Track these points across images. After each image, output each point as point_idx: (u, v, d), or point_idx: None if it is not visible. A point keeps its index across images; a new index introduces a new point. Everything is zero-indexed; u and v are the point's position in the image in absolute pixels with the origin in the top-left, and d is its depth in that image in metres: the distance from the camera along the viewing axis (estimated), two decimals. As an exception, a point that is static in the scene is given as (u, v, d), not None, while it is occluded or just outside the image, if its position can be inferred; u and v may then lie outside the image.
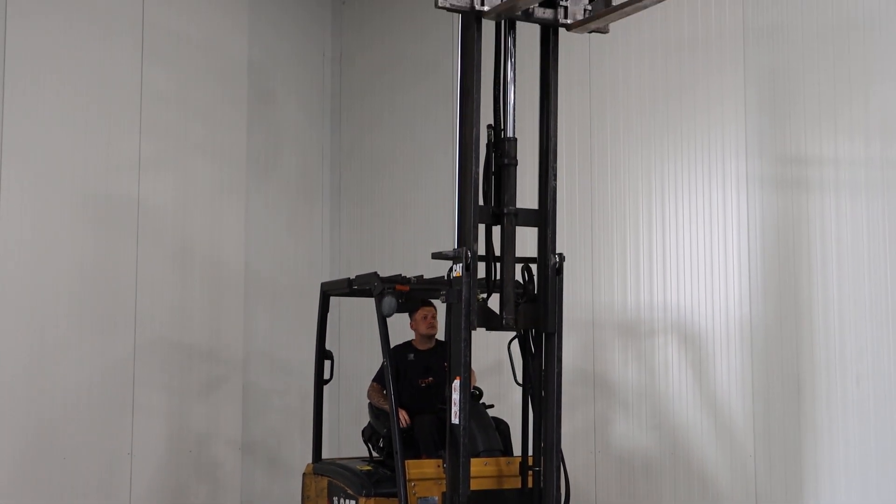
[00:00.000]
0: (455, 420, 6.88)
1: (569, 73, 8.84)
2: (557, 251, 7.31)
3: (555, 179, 7.14)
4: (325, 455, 8.58)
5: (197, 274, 9.36)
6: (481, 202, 6.97)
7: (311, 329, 8.72)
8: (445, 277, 7.09)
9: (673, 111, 9.35)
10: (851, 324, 8.44)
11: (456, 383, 6.89)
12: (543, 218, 7.16)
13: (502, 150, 7.14)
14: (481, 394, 7.56)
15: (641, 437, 9.16)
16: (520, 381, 7.48)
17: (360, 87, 11.43)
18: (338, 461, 8.11)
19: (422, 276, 7.73)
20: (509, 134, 7.13)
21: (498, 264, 7.03)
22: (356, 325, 10.61)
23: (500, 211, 7.03)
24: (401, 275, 7.71)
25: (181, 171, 9.26)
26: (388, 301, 7.32)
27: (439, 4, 6.82)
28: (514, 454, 7.40)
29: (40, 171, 8.43)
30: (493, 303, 7.05)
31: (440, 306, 7.42)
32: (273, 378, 10.09)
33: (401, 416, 7.46)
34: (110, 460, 8.43)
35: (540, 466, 7.11)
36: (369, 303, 7.87)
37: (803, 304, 8.64)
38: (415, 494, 7.16)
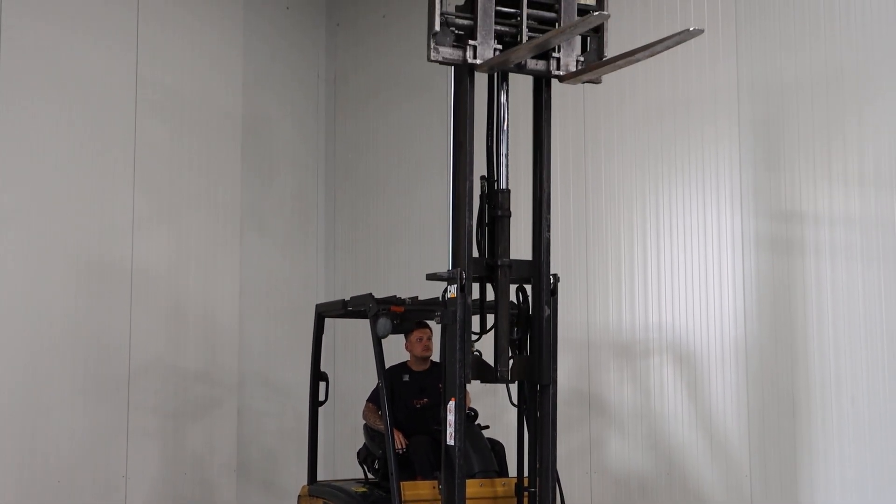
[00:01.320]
0: (450, 441, 6.87)
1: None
2: (552, 272, 7.32)
3: (548, 231, 7.13)
4: (320, 477, 8.56)
5: (191, 296, 9.34)
6: (475, 254, 6.99)
7: (306, 350, 8.71)
8: (440, 298, 7.09)
9: (667, 131, 9.38)
10: (846, 344, 8.45)
11: (451, 404, 6.88)
12: (537, 269, 7.17)
13: (495, 202, 7.15)
14: (476, 415, 7.56)
15: (637, 457, 9.15)
16: (515, 402, 7.47)
17: (354, 107, 11.45)
18: (333, 483, 8.09)
19: (417, 297, 7.74)
20: (502, 185, 7.15)
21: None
22: (351, 346, 10.60)
23: (494, 263, 7.05)
24: (396, 296, 7.71)
25: (173, 189, 9.26)
26: (383, 322, 7.32)
27: (431, 58, 6.83)
28: (510, 475, 7.38)
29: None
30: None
31: (435, 328, 7.41)
32: (268, 399, 10.07)
33: (396, 438, 7.44)
34: (105, 483, 8.40)
35: (535, 487, 7.10)
36: (364, 324, 7.87)
37: (798, 324, 8.65)
38: (410, 515, 7.15)
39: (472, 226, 6.90)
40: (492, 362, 6.97)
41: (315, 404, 8.44)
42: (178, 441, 9.07)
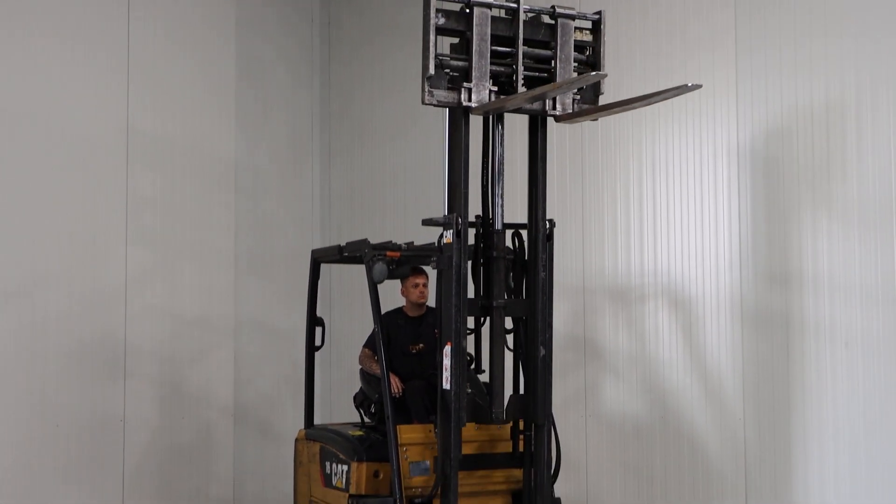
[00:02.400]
0: (446, 385, 6.92)
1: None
2: (547, 217, 7.33)
3: (544, 271, 7.13)
4: (316, 421, 8.62)
5: (187, 242, 9.34)
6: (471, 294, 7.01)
7: (302, 296, 8.73)
8: (436, 244, 7.10)
9: (664, 79, 9.34)
10: (841, 288, 8.49)
11: (447, 349, 6.92)
12: (532, 309, 7.17)
13: (490, 242, 7.16)
14: (472, 359, 7.59)
15: (632, 401, 9.21)
16: (510, 346, 7.50)
17: (348, 51, 11.37)
18: (330, 427, 8.14)
19: (412, 242, 7.74)
20: (497, 226, 7.14)
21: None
22: (347, 291, 10.62)
23: (489, 304, 7.05)
24: (391, 241, 7.72)
25: (166, 133, 9.21)
26: (379, 268, 7.33)
27: (426, 102, 6.81)
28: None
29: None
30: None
31: (431, 274, 7.43)
32: (264, 345, 10.10)
33: (392, 382, 7.48)
34: (103, 427, 8.45)
35: (531, 431, 7.16)
36: (360, 270, 7.88)
37: (793, 269, 8.67)
38: (406, 459, 7.20)
39: (467, 268, 6.93)
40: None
41: (311, 349, 8.48)
42: (175, 386, 9.12)
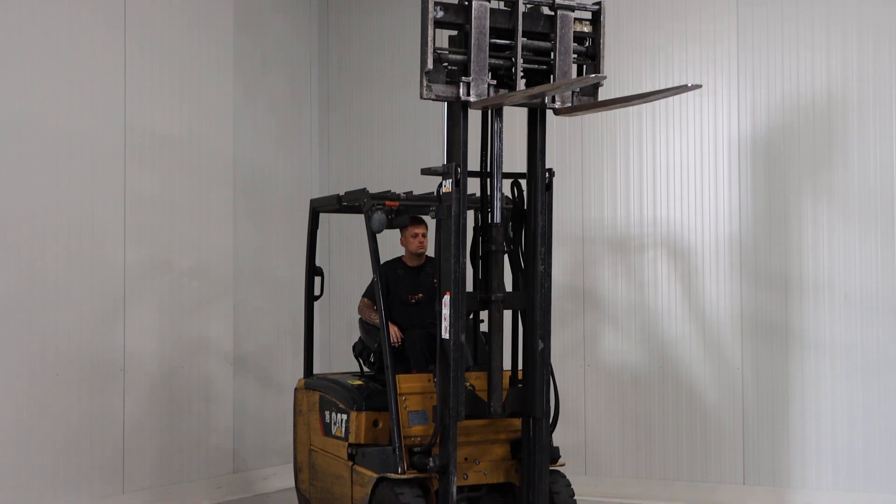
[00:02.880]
0: (445, 335, 6.93)
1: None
2: (547, 166, 7.30)
3: (543, 264, 7.09)
4: (316, 371, 8.64)
5: (185, 192, 9.31)
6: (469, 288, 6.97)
7: (301, 246, 8.72)
8: (435, 193, 7.08)
9: (665, 30, 9.28)
10: (840, 238, 8.49)
11: (446, 298, 6.92)
12: (531, 302, 7.15)
13: (489, 235, 7.11)
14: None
15: (630, 351, 9.24)
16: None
17: (347, 1, 11.27)
18: (329, 376, 8.17)
19: (411, 191, 7.72)
20: (496, 219, 7.10)
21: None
22: (346, 241, 10.62)
23: (488, 297, 7.03)
24: (390, 191, 7.69)
25: (164, 80, 9.15)
26: (378, 217, 7.31)
27: (424, 96, 6.73)
28: (504, 368, 7.44)
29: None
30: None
31: (431, 224, 7.42)
32: (263, 295, 10.10)
33: (392, 332, 7.49)
34: (103, 377, 8.46)
35: (529, 380, 7.18)
36: (359, 219, 7.86)
37: (793, 220, 8.67)
38: (406, 408, 7.22)
39: (465, 261, 6.90)
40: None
41: (310, 299, 8.48)
42: (174, 336, 9.12)
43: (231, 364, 9.71)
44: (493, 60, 6.82)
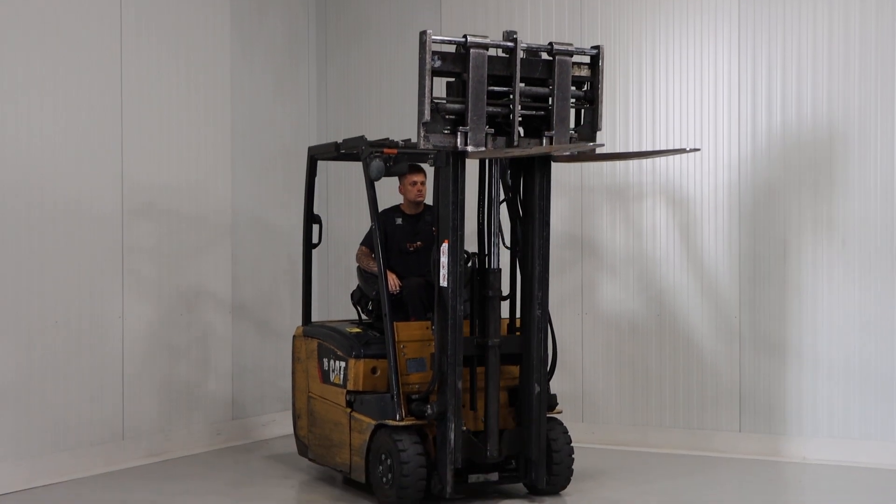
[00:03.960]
0: (443, 283, 6.94)
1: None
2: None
3: (539, 309, 7.09)
4: (314, 318, 8.67)
5: (182, 139, 9.27)
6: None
7: (300, 194, 8.71)
8: (434, 141, 7.06)
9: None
10: (841, 186, 8.48)
11: (444, 246, 6.93)
12: (527, 346, 7.13)
13: (486, 281, 7.10)
14: (469, 257, 7.59)
15: (628, 299, 9.25)
16: (507, 244, 7.51)
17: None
18: (327, 324, 8.19)
19: (409, 139, 7.69)
20: (493, 265, 7.08)
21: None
22: (344, 189, 10.60)
23: (485, 343, 7.01)
24: (388, 138, 7.67)
25: (161, 33, 9.07)
26: (376, 165, 7.29)
27: (421, 147, 6.70)
28: (502, 316, 7.46)
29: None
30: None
31: (430, 172, 7.40)
32: (262, 243, 10.09)
33: (390, 280, 7.50)
34: (102, 323, 8.47)
35: (528, 328, 7.20)
36: (357, 167, 7.85)
37: (792, 168, 8.65)
38: (404, 356, 7.25)
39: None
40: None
41: (309, 247, 8.49)
42: (173, 284, 9.12)
43: (230, 311, 9.73)
44: (490, 108, 6.80)
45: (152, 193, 8.97)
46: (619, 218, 9.29)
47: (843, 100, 8.45)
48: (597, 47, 7.06)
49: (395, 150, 7.45)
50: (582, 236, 9.39)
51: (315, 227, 8.40)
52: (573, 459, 7.44)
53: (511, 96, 6.80)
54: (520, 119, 6.89)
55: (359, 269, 8.04)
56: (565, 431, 7.46)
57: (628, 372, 9.25)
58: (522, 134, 6.97)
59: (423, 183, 7.86)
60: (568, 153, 7.04)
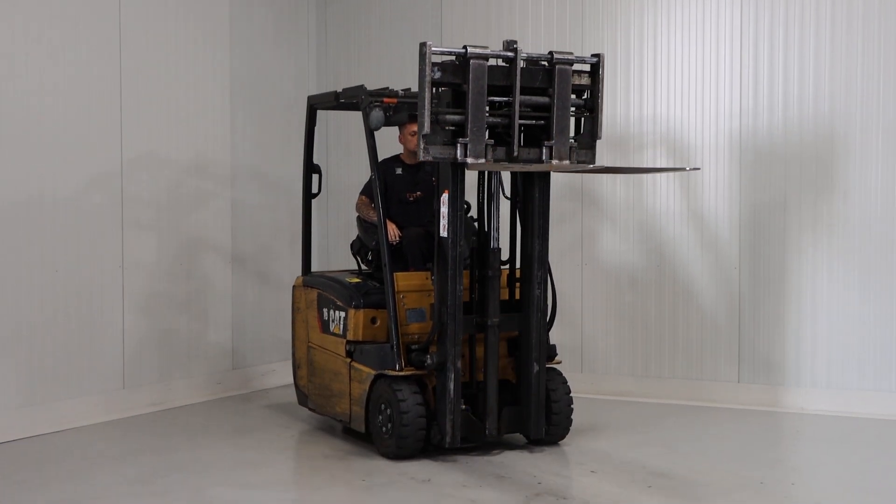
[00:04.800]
0: (443, 233, 6.93)
1: None
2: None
3: (539, 287, 7.10)
4: (314, 268, 8.67)
5: (182, 89, 9.22)
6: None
7: (299, 143, 8.67)
8: (434, 90, 7.02)
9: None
10: (841, 138, 8.46)
11: (444, 197, 6.91)
12: (526, 326, 7.13)
13: (486, 261, 7.08)
14: (469, 207, 7.58)
15: (628, 250, 9.25)
16: (507, 195, 7.50)
17: None
18: (327, 274, 8.19)
19: (409, 88, 7.65)
20: (493, 244, 7.07)
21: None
22: (344, 138, 10.56)
23: (484, 322, 7.01)
24: (388, 88, 7.62)
25: (159, 10, 9.00)
26: (376, 114, 7.26)
27: (421, 158, 6.67)
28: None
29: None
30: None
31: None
32: (261, 193, 10.07)
33: (390, 230, 7.49)
34: (102, 273, 8.47)
35: (528, 278, 7.20)
36: (357, 116, 7.81)
37: (792, 118, 8.62)
38: (403, 306, 7.26)
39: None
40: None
41: (308, 197, 8.46)
42: (172, 234, 9.11)
43: (229, 261, 9.73)
44: (490, 119, 6.79)
45: (151, 144, 8.94)
46: (619, 168, 9.25)
47: (846, 51, 8.40)
48: (597, 55, 7.06)
49: (394, 100, 7.41)
50: (582, 187, 9.37)
51: (315, 177, 8.37)
52: (572, 410, 7.47)
53: (511, 106, 6.81)
54: (520, 129, 6.90)
55: (358, 218, 8.03)
56: (564, 382, 7.48)
57: (628, 323, 9.27)
58: (522, 143, 6.97)
59: (423, 133, 7.81)
60: (567, 161, 7.04)
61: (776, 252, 8.69)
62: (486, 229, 7.22)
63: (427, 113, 6.55)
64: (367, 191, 7.94)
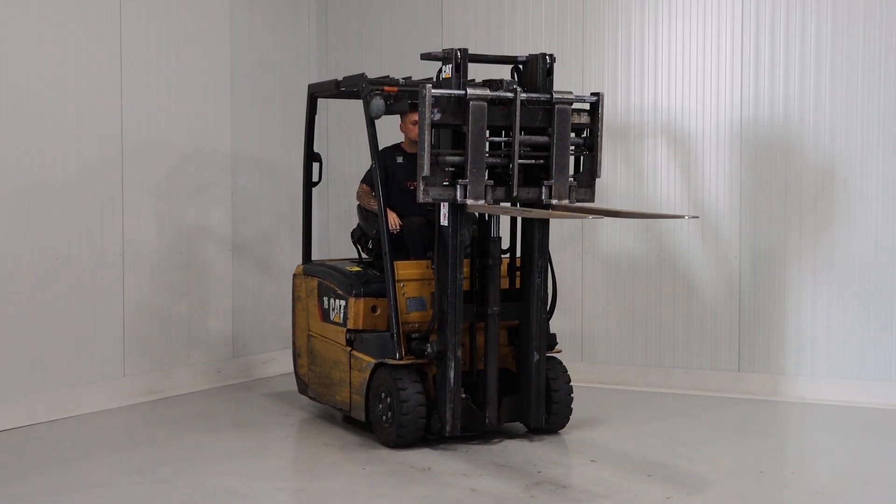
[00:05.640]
0: (444, 222, 6.93)
1: None
2: (548, 51, 7.23)
3: (539, 277, 7.11)
4: (314, 257, 8.66)
5: (182, 76, 9.20)
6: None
7: (299, 131, 8.66)
8: (435, 79, 7.01)
9: None
10: (841, 127, 8.44)
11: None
12: (526, 315, 7.12)
13: (486, 249, 7.08)
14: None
15: (628, 239, 9.24)
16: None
17: None
18: (327, 262, 8.18)
19: (410, 77, 7.63)
20: (494, 233, 7.07)
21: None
22: (344, 127, 10.55)
23: (484, 311, 7.01)
24: (389, 76, 7.60)
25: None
26: (377, 102, 7.24)
27: (421, 200, 6.70)
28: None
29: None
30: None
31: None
32: (261, 181, 10.05)
33: (390, 218, 7.48)
34: (102, 261, 8.46)
35: (528, 267, 7.20)
36: (358, 105, 7.80)
37: (793, 108, 8.60)
38: (404, 295, 7.26)
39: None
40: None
41: (309, 185, 8.45)
42: (172, 222, 9.10)
43: (229, 250, 9.72)
44: (490, 159, 6.81)
45: (152, 132, 8.92)
46: (619, 157, 9.25)
47: (848, 40, 8.38)
48: (596, 94, 7.12)
49: (395, 88, 7.39)
50: (583, 176, 9.34)
51: (315, 166, 8.36)
52: (572, 399, 7.47)
53: (511, 146, 6.82)
54: (519, 169, 6.91)
55: (359, 207, 8.02)
56: (565, 371, 7.49)
57: (628, 312, 9.26)
58: (521, 182, 6.99)
59: (425, 122, 7.80)
60: (566, 201, 7.06)
61: (777, 241, 8.69)
62: (486, 218, 7.21)
63: (427, 154, 6.58)
64: (367, 179, 7.93)
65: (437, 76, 6.98)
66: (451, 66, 6.88)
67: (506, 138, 6.92)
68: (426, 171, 6.61)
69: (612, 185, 9.24)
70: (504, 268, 7.39)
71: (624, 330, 9.29)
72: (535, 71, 7.14)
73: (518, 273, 7.38)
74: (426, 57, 7.05)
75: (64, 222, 8.16)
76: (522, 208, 6.99)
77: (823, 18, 8.45)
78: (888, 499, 6.07)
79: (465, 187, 6.71)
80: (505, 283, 7.37)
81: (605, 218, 6.70)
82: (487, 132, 6.81)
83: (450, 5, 9.93)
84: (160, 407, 8.54)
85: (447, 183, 6.75)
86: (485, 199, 6.74)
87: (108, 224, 8.55)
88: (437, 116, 6.66)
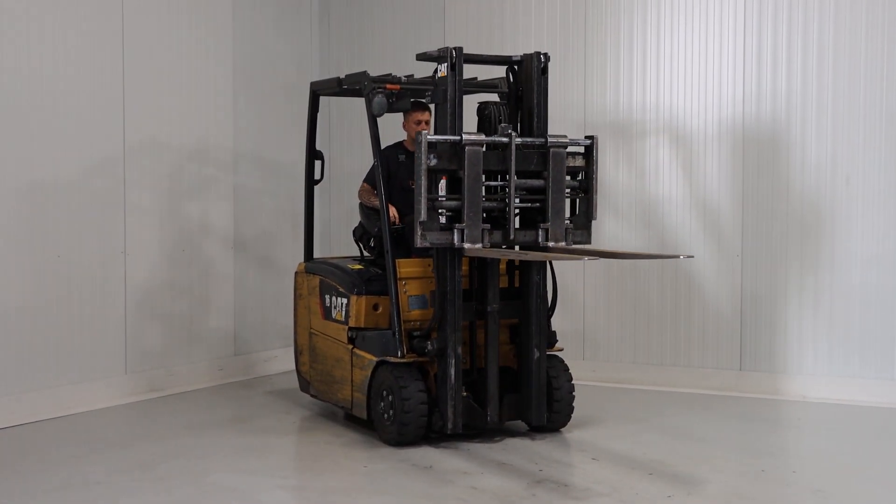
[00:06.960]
0: (443, 220, 6.92)
1: None
2: (543, 51, 7.25)
3: (538, 274, 7.10)
4: (316, 255, 8.66)
5: (184, 74, 9.21)
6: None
7: (301, 129, 8.66)
8: (431, 77, 7.01)
9: None
10: (844, 124, 8.44)
11: (442, 183, 6.91)
12: (526, 312, 7.14)
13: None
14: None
15: (630, 237, 9.24)
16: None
17: None
18: (329, 260, 8.19)
19: (412, 75, 7.63)
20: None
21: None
22: (346, 125, 10.55)
23: (484, 308, 7.02)
24: (391, 74, 7.60)
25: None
26: (379, 100, 7.24)
27: (418, 244, 6.73)
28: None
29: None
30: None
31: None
32: (263, 178, 10.06)
33: (392, 216, 7.48)
34: (104, 259, 8.47)
35: (528, 265, 7.20)
36: (360, 102, 7.80)
37: (795, 104, 8.60)
38: (405, 292, 7.26)
39: (460, 270, 6.90)
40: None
41: (311, 183, 8.46)
42: (175, 219, 9.11)
43: (231, 248, 9.73)
44: (486, 203, 6.86)
45: (154, 129, 8.93)
46: (621, 155, 9.25)
47: (850, 36, 8.38)
48: (591, 137, 7.13)
49: (397, 86, 7.39)
50: (585, 174, 9.34)
51: (317, 163, 8.36)
52: (574, 397, 7.47)
53: (507, 190, 6.87)
54: (516, 212, 6.95)
55: (361, 205, 8.02)
56: (566, 369, 7.49)
57: (630, 310, 9.26)
58: (518, 226, 7.05)
59: (427, 122, 7.80)
60: (563, 243, 7.09)
61: (778, 239, 8.68)
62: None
63: (423, 200, 6.61)
64: (369, 177, 7.93)
65: (434, 75, 6.99)
66: (446, 65, 6.88)
67: (502, 182, 6.97)
68: (423, 215, 6.65)
69: (614, 181, 9.24)
70: (503, 266, 7.39)
71: (626, 328, 9.29)
72: (529, 70, 7.16)
73: (518, 271, 7.38)
74: (422, 57, 7.07)
75: (66, 220, 8.17)
76: (519, 251, 7.03)
77: (825, 16, 8.45)
78: (889, 497, 6.07)
79: (462, 231, 6.74)
80: (504, 282, 7.37)
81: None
82: (483, 177, 6.83)
83: (452, 3, 9.93)
84: (161, 404, 8.55)
85: (444, 227, 6.78)
86: (482, 242, 6.76)
87: (110, 221, 8.56)
88: (434, 162, 6.69)
